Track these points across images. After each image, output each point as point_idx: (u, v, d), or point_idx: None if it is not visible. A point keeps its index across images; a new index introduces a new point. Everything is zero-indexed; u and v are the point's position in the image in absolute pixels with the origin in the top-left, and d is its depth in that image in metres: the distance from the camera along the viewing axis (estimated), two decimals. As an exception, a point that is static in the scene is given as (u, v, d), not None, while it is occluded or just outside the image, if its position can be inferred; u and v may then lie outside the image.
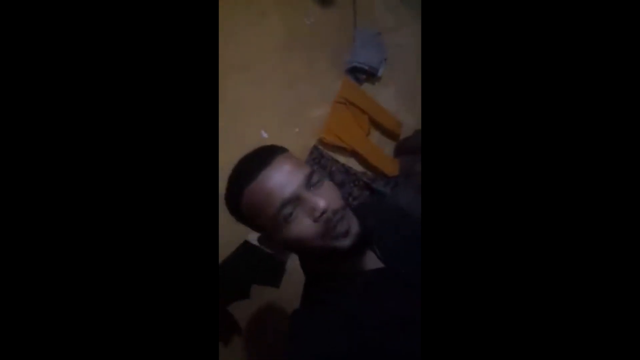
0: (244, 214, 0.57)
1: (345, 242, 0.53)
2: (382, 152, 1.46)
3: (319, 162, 1.36)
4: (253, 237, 1.21)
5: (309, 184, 0.54)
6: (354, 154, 1.42)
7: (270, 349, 1.22)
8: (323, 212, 0.52)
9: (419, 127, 1.48)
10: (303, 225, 0.53)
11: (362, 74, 1.48)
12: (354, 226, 0.54)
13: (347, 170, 1.38)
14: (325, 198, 0.53)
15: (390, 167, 1.43)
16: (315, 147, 1.37)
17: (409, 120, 1.51)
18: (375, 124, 1.48)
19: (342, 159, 1.40)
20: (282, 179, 0.53)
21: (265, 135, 1.32)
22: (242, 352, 1.23)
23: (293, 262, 1.27)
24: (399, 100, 1.53)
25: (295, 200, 0.53)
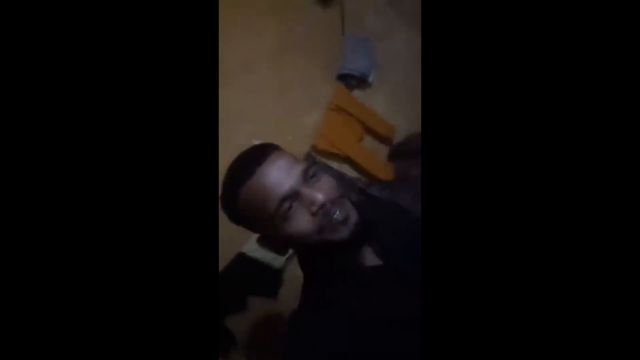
0: (242, 214, 0.56)
1: (344, 232, 0.52)
2: (376, 157, 1.45)
3: (313, 169, 1.34)
4: (247, 248, 1.20)
5: (306, 177, 0.53)
6: (347, 160, 1.41)
7: (270, 357, 1.20)
8: (322, 206, 0.51)
9: (412, 131, 1.47)
10: (302, 220, 0.52)
11: (353, 80, 1.48)
12: (353, 215, 0.53)
13: (341, 176, 1.37)
14: (323, 191, 0.52)
15: (385, 171, 1.42)
16: (308, 154, 1.35)
17: (402, 124, 1.49)
18: (368, 130, 1.47)
19: (335, 165, 1.39)
20: (279, 174, 0.52)
21: (257, 143, 1.30)
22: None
23: (289, 272, 1.25)
24: (391, 104, 1.52)
25: (294, 195, 0.52)
